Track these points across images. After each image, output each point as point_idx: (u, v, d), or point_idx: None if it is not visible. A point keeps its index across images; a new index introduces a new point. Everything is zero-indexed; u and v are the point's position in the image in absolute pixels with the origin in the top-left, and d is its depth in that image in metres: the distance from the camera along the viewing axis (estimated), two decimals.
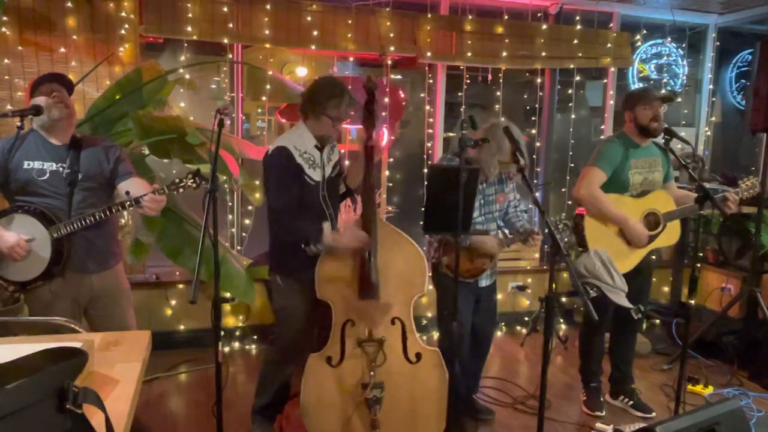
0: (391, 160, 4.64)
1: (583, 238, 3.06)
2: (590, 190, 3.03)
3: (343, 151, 4.45)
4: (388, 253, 2.58)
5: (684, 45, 5.22)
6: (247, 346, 4.21)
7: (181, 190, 2.37)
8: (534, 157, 4.88)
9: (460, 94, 4.73)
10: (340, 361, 2.59)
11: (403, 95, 4.58)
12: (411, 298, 2.62)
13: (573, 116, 4.98)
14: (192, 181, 2.37)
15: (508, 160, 2.81)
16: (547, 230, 2.18)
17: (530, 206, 4.06)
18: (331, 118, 2.60)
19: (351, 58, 4.68)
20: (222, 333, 2.16)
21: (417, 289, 2.63)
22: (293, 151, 2.58)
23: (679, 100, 5.26)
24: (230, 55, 4.15)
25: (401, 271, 2.60)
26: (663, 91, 5.06)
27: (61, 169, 2.41)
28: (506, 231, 2.95)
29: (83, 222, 2.36)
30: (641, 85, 5.09)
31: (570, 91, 4.94)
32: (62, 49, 3.71)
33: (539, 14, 4.74)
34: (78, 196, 2.43)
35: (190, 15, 3.87)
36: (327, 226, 2.55)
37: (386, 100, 4.36)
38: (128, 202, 2.35)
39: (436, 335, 4.40)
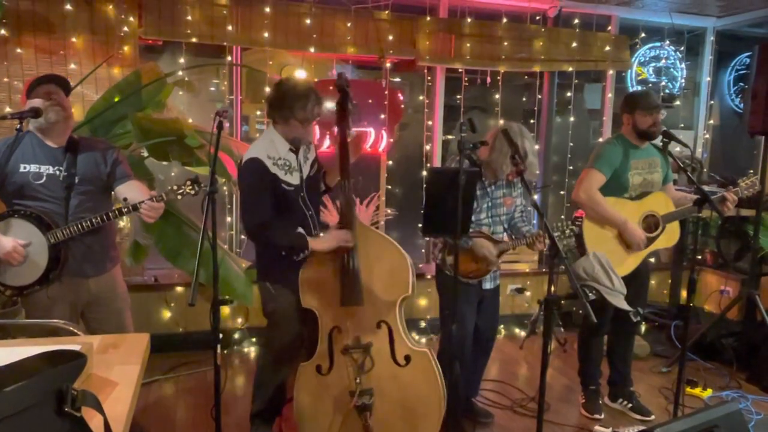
0: (390, 162, 4.64)
1: (582, 241, 3.06)
2: (589, 193, 3.03)
3: None
4: (369, 255, 2.52)
5: (682, 48, 5.23)
6: (246, 349, 4.21)
7: (179, 196, 2.34)
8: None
9: (459, 96, 4.73)
10: (329, 369, 2.56)
11: (401, 98, 4.58)
12: (396, 300, 2.54)
13: (572, 119, 4.99)
14: (190, 187, 2.34)
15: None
16: (546, 233, 2.18)
17: (529, 208, 4.06)
18: (299, 121, 2.52)
19: (350, 61, 4.69)
20: (221, 335, 2.16)
21: (401, 291, 2.54)
22: (266, 160, 2.50)
23: (678, 103, 5.27)
24: (229, 58, 4.16)
25: (383, 273, 2.53)
26: (662, 94, 5.07)
27: (57, 172, 2.39)
28: (512, 234, 2.95)
29: (80, 227, 2.33)
30: (639, 87, 5.09)
31: (569, 94, 4.95)
32: (61, 52, 3.71)
33: (538, 17, 4.75)
34: (75, 200, 2.41)
35: (189, 18, 3.87)
36: (302, 231, 2.52)
37: (385, 102, 4.36)
38: (126, 209, 2.32)
39: (435, 337, 4.40)
